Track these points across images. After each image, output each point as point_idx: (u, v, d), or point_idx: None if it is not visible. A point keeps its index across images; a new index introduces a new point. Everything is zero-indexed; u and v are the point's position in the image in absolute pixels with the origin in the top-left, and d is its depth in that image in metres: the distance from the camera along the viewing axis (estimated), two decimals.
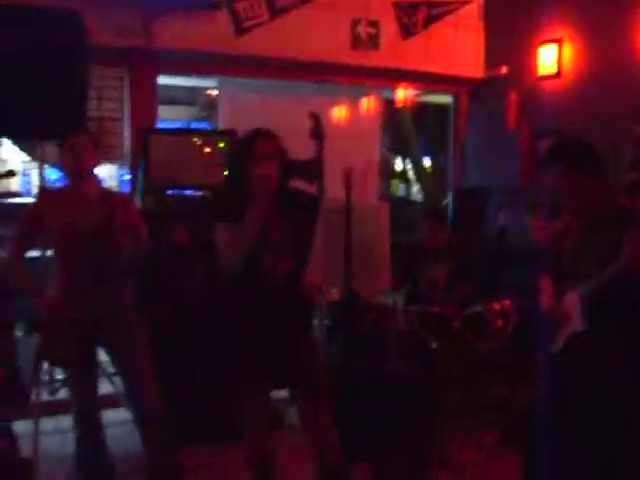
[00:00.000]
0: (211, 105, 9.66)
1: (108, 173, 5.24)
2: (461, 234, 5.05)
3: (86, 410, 3.08)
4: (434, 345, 3.78)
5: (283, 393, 3.06)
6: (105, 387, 3.46)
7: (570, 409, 2.45)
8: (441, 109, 6.77)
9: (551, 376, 2.56)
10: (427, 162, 9.07)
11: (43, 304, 2.93)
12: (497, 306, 3.88)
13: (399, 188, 11.61)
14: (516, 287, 4.30)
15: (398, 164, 11.20)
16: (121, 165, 5.03)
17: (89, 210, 2.94)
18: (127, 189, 4.77)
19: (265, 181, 2.49)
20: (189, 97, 9.82)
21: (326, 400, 2.74)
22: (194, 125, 8.66)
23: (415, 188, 11.01)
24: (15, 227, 3.03)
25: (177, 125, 7.28)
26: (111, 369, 3.45)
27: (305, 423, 2.75)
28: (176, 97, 9.68)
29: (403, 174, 11.01)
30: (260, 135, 2.59)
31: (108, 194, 3.12)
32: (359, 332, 3.95)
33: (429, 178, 8.40)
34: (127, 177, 5.94)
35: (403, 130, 7.62)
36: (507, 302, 3.94)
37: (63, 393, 3.73)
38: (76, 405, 3.07)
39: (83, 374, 3.05)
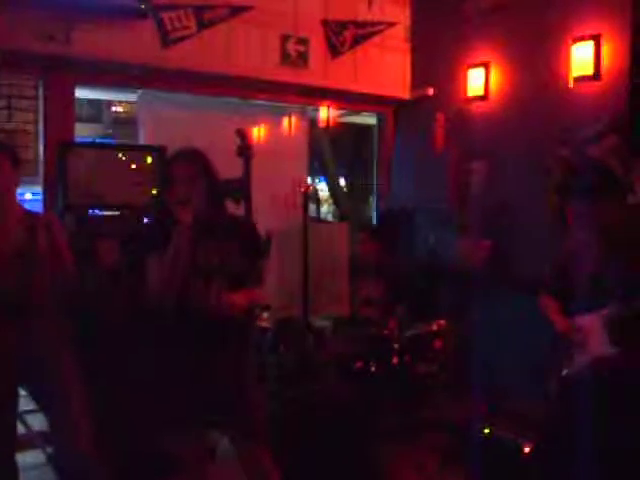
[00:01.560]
0: (116, 122, 9.30)
1: None
2: (389, 254, 5.05)
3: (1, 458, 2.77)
4: (373, 368, 3.71)
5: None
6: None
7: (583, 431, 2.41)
8: (358, 129, 6.82)
9: (563, 399, 2.53)
10: (342, 183, 9.11)
11: None
12: (434, 327, 3.86)
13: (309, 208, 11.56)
14: (449, 307, 4.34)
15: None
16: (29, 183, 4.65)
17: (10, 233, 2.66)
18: (34, 209, 4.41)
19: (182, 204, 2.36)
20: (93, 113, 9.42)
21: (264, 437, 2.61)
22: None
23: (324, 208, 11.04)
24: None
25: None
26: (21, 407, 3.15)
27: (244, 462, 2.61)
28: (80, 113, 9.25)
29: (313, 194, 10.96)
30: (178, 158, 2.50)
31: (30, 216, 2.82)
32: (294, 356, 3.83)
33: (345, 199, 8.42)
34: (28, 196, 5.53)
35: (320, 150, 7.61)
36: (443, 322, 3.94)
37: None
38: None
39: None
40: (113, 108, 8.66)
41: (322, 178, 9.35)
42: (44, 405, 2.82)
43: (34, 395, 2.82)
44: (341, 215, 8.50)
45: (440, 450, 3.68)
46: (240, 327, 2.53)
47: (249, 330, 2.70)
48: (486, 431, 3.40)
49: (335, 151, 8.07)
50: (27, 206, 4.86)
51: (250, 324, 2.72)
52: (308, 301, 2.30)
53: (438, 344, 3.84)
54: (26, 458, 3.50)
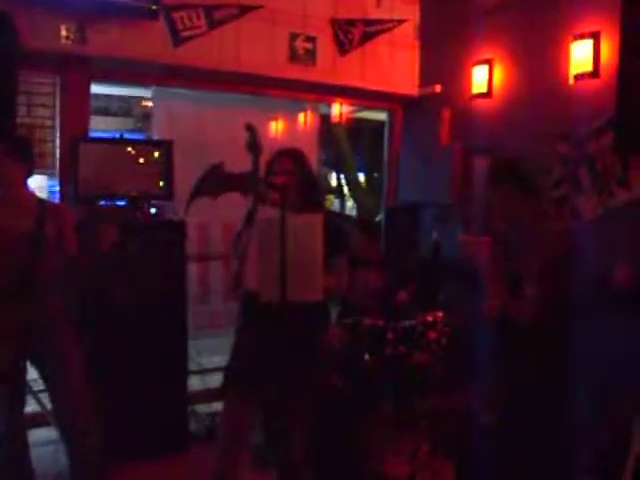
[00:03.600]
0: (146, 116, 9.56)
1: (37, 184, 5.07)
2: (394, 249, 5.14)
3: (10, 430, 2.97)
4: (367, 357, 3.81)
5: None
6: (30, 405, 3.34)
7: None
8: (376, 126, 6.91)
9: None
10: (362, 178, 9.22)
11: None
12: (430, 318, 3.93)
13: (334, 203, 11.75)
14: (449, 300, 4.41)
15: (333, 179, 11.34)
16: (51, 175, 4.89)
17: (19, 219, 2.87)
18: (57, 200, 4.63)
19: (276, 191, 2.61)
20: (124, 108, 9.69)
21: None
22: (128, 136, 8.53)
23: (350, 203, 11.17)
24: None
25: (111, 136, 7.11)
26: (37, 387, 3.35)
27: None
28: (110, 108, 9.54)
29: (338, 189, 11.13)
30: (282, 153, 2.84)
31: (41, 203, 3.03)
32: None
33: (364, 194, 8.53)
34: (57, 188, 5.78)
35: (339, 146, 7.72)
36: (439, 314, 4.00)
37: None
38: (0, 425, 2.96)
39: (8, 392, 2.94)
40: (143, 103, 8.88)
41: (343, 174, 9.49)
42: (46, 375, 3.01)
43: (36, 364, 3.01)
44: (359, 210, 8.62)
45: (432, 439, 3.77)
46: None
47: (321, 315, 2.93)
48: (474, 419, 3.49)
49: (354, 146, 8.19)
50: (53, 198, 5.12)
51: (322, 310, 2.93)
52: (286, 287, 2.42)
53: (433, 335, 3.90)
54: (40, 434, 3.73)
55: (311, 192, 2.84)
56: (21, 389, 3.05)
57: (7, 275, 2.81)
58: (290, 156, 2.83)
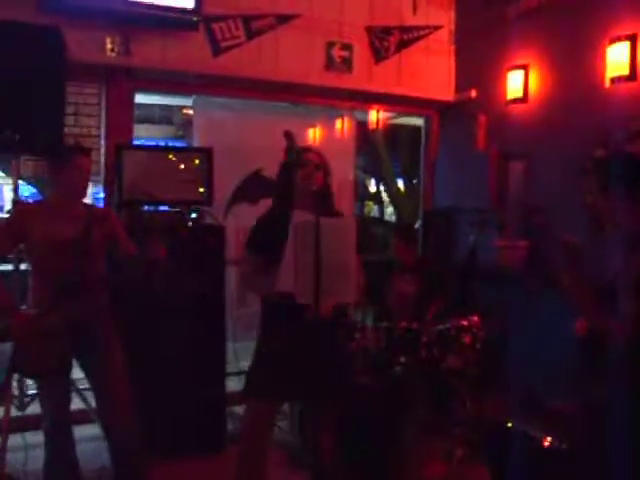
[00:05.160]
0: (187, 124, 9.79)
1: None
2: (431, 253, 5.17)
3: (58, 423, 3.10)
4: (402, 360, 3.84)
5: None
6: (75, 403, 3.45)
7: None
8: (413, 131, 6.93)
9: None
10: (400, 184, 9.23)
11: (18, 321, 2.94)
12: (465, 322, 3.94)
13: (373, 209, 11.77)
14: (484, 305, 4.41)
15: (372, 186, 11.37)
16: (96, 182, 5.05)
17: (69, 224, 3.01)
18: (100, 205, 4.79)
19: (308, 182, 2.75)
20: (166, 116, 9.93)
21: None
22: (170, 144, 8.74)
23: (389, 209, 11.18)
24: None
25: (153, 143, 7.29)
26: (82, 385, 3.47)
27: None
28: (153, 116, 9.79)
29: (377, 196, 11.14)
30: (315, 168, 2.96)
31: (89, 209, 3.18)
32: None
33: (402, 200, 8.54)
34: (102, 195, 5.97)
35: (376, 152, 7.76)
36: (475, 318, 4.00)
37: (32, 409, 3.71)
38: (48, 418, 3.08)
39: (57, 386, 3.07)
40: (184, 111, 9.11)
41: (382, 181, 9.51)
42: (89, 372, 3.13)
43: (81, 362, 3.14)
44: (398, 216, 8.64)
45: (468, 443, 3.78)
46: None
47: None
48: (508, 425, 3.49)
49: (392, 153, 8.22)
50: (99, 204, 5.29)
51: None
52: (320, 290, 2.48)
53: (467, 339, 3.91)
54: (85, 431, 3.86)
55: (326, 200, 2.92)
56: (67, 385, 3.17)
57: (59, 276, 2.94)
58: (321, 168, 2.95)
